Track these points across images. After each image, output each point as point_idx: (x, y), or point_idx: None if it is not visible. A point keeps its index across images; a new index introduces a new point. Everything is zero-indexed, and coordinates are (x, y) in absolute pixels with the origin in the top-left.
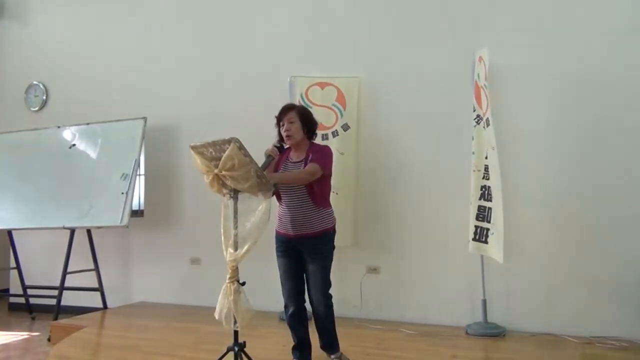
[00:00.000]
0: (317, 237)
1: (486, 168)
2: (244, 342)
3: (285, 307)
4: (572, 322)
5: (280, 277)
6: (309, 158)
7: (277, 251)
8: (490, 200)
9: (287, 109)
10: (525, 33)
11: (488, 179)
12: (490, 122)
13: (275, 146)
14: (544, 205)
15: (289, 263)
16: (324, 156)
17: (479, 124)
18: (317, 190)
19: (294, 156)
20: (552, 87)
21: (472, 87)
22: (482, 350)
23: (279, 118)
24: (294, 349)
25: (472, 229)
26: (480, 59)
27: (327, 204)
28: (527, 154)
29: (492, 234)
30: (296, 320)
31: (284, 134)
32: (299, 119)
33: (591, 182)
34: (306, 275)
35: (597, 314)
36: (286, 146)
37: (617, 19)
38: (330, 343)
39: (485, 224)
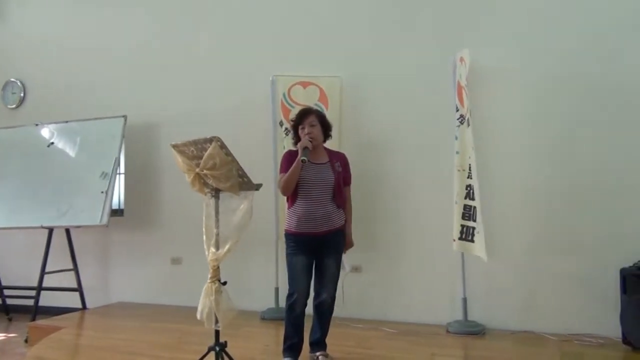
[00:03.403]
0: (338, 232)
1: (470, 167)
2: (226, 342)
3: (292, 305)
4: (550, 320)
5: (294, 274)
6: (337, 165)
7: (292, 249)
8: (474, 199)
9: (307, 113)
10: (506, 35)
11: (472, 178)
12: (470, 122)
13: (308, 145)
14: (523, 204)
15: (305, 260)
16: (349, 169)
17: (462, 123)
18: (338, 194)
19: (313, 158)
20: (532, 87)
21: (454, 88)
22: (462, 348)
23: (299, 121)
24: (290, 349)
25: (458, 228)
26: (462, 59)
27: (341, 205)
28: (508, 154)
29: (478, 232)
30: (302, 319)
31: (305, 137)
32: (319, 122)
33: (571, 182)
34: (320, 269)
35: (575, 312)
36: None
37: (597, 21)
38: (324, 338)
39: (471, 223)
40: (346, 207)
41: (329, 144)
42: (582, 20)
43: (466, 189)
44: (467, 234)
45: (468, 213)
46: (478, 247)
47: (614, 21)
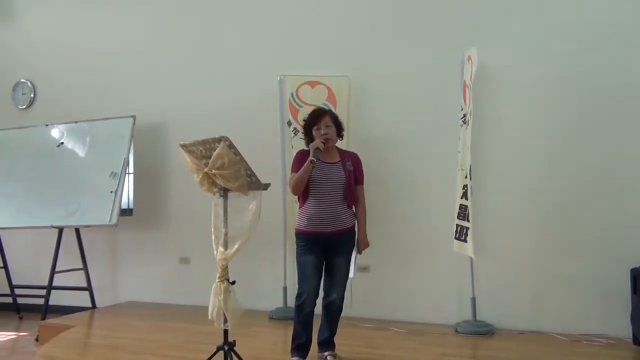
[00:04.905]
0: (350, 231)
1: (470, 167)
2: (234, 341)
3: (302, 305)
4: (560, 320)
5: (304, 274)
6: (348, 164)
7: (302, 249)
8: (468, 199)
9: (322, 113)
10: (506, 35)
11: (467, 178)
12: (469, 122)
13: (319, 146)
14: (531, 204)
15: (315, 260)
16: (361, 169)
17: (465, 123)
18: (349, 194)
19: (324, 157)
20: (537, 88)
21: (461, 87)
22: (471, 348)
23: (313, 122)
24: (298, 348)
25: (454, 228)
26: (469, 58)
27: (352, 205)
28: (513, 154)
29: (471, 232)
30: (311, 318)
31: (321, 138)
32: (333, 123)
33: (577, 182)
34: (330, 269)
35: (584, 312)
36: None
37: (597, 21)
38: (332, 338)
39: (465, 223)
40: (359, 207)
41: (337, 143)
42: (583, 21)
43: (463, 188)
44: (460, 234)
45: (463, 213)
46: (471, 246)
47: (614, 21)
